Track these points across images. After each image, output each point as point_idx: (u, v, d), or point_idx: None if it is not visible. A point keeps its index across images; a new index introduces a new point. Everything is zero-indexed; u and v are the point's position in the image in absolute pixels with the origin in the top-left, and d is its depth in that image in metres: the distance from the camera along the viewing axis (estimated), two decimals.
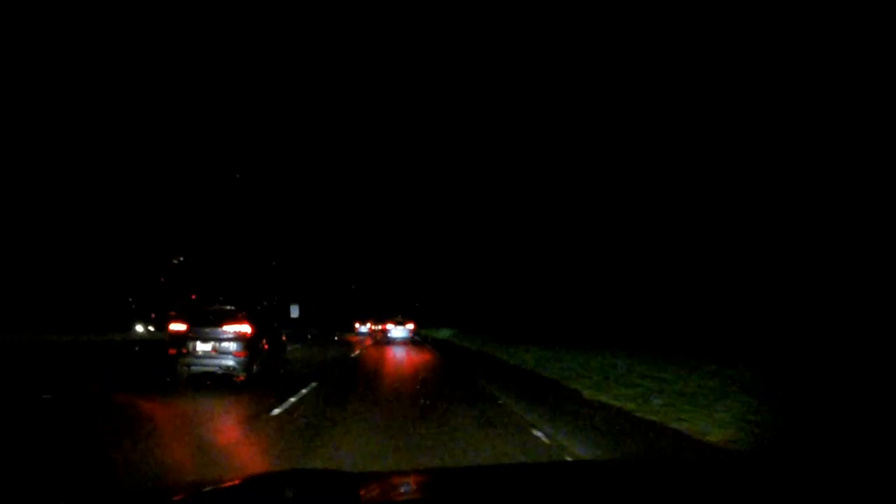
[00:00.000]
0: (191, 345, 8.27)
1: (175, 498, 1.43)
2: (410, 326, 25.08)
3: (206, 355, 8.31)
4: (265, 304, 14.82)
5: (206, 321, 8.53)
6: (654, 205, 23.98)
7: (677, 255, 21.97)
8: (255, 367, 8.60)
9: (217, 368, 8.29)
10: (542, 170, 33.05)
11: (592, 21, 30.52)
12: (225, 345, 8.27)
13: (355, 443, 4.95)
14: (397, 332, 24.58)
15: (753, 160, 19.14)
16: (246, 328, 8.54)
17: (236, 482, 1.68)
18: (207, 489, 1.70)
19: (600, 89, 29.36)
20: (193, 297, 21.45)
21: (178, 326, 8.54)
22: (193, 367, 8.33)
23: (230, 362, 8.25)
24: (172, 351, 8.40)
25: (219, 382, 8.48)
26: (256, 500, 1.31)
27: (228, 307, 8.89)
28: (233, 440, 5.26)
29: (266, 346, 9.29)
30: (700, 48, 22.42)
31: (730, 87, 20.70)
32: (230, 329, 8.39)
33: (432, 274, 59.40)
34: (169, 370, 8.59)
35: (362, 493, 1.34)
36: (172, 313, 9.19)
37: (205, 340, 8.31)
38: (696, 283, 20.52)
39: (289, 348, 12.80)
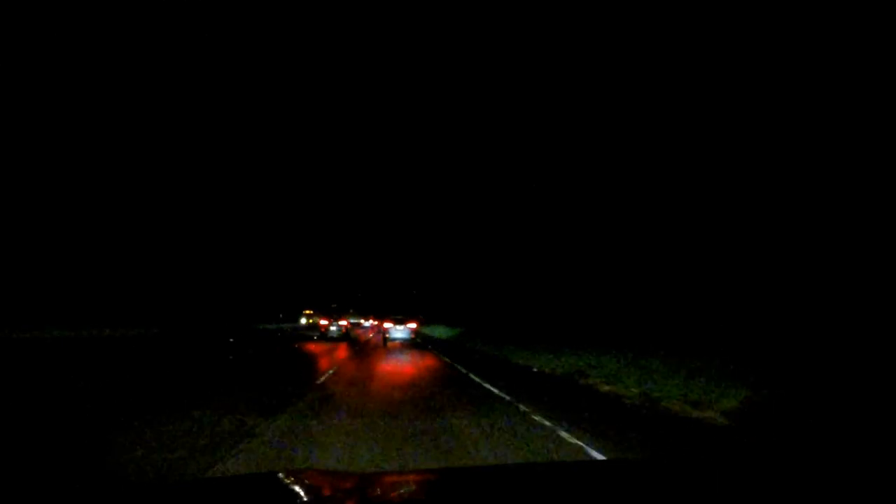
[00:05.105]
0: (330, 326, 28.41)
1: (176, 491, 1.51)
2: (412, 326, 21.89)
3: (333, 331, 27.90)
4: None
5: (332, 317, 28.81)
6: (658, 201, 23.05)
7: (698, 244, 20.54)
8: (346, 335, 28.92)
9: (338, 334, 28.17)
10: (549, 166, 31.39)
11: (592, 21, 29.41)
12: (339, 327, 28.38)
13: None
14: (397, 332, 21.61)
15: (748, 161, 18.59)
16: (344, 322, 28.83)
17: (237, 479, 1.73)
18: (208, 485, 1.77)
19: (600, 89, 27.82)
20: (334, 305, 40.94)
21: (324, 321, 28.87)
22: (329, 334, 27.78)
23: (342, 332, 28.26)
24: (322, 328, 28.55)
25: (337, 339, 27.79)
26: (256, 499, 1.33)
27: (339, 313, 29.64)
28: (347, 350, 23.20)
29: (348, 326, 29.73)
30: (700, 48, 21.29)
31: (730, 87, 19.70)
32: (340, 322, 28.80)
33: (435, 268, 54.83)
34: (320, 335, 28.55)
35: (363, 493, 1.34)
36: (322, 315, 29.59)
37: (333, 325, 28.23)
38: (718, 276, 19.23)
39: None
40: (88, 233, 33.16)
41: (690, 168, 21.76)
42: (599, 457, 4.42)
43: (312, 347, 21.30)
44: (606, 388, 8.84)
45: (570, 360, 12.77)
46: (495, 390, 8.52)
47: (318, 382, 9.19)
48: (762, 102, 18.86)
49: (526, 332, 23.10)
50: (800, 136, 17.41)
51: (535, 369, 12.29)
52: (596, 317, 24.03)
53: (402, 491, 1.44)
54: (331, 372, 10.92)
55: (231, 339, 22.53)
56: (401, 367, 12.77)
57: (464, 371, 11.83)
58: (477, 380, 10.10)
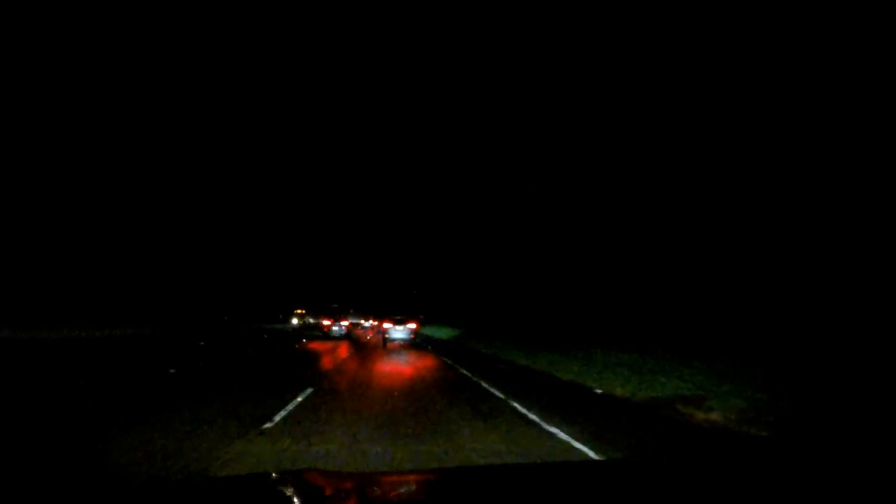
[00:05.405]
0: (333, 326, 25.52)
1: (175, 490, 1.49)
2: (412, 326, 21.04)
3: (336, 330, 25.49)
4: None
5: (335, 317, 25.89)
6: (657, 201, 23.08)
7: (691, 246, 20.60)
8: (347, 334, 25.83)
9: (340, 333, 25.44)
10: (548, 165, 31.50)
11: (592, 21, 29.68)
12: (342, 327, 25.54)
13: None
14: (396, 332, 20.76)
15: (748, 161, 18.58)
16: (346, 322, 25.87)
17: (237, 479, 1.74)
18: (209, 485, 1.80)
19: (600, 89, 27.95)
20: (334, 305, 39.64)
21: (327, 321, 25.93)
22: (333, 333, 25.43)
23: (344, 331, 25.50)
24: (326, 328, 25.70)
25: (339, 338, 25.25)
26: (257, 499, 1.32)
27: (341, 313, 26.53)
28: (350, 348, 20.72)
29: (350, 326, 26.54)
30: (700, 48, 21.20)
31: (730, 87, 19.61)
32: (343, 322, 25.75)
33: (435, 268, 54.81)
34: (324, 333, 25.79)
35: (363, 493, 1.35)
36: (324, 316, 26.52)
37: (335, 324, 25.54)
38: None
39: None
40: (88, 234, 32.83)
41: (700, 169, 20.98)
42: None
43: (313, 347, 20.04)
44: None
45: (642, 376, 9.31)
46: (591, 453, 4.50)
47: (268, 426, 5.15)
48: (768, 102, 18.29)
49: (536, 333, 21.57)
50: (807, 135, 16.80)
51: (598, 391, 8.41)
52: (614, 317, 22.31)
53: (402, 491, 1.45)
54: (300, 398, 6.94)
55: (201, 343, 19.75)
56: (408, 389, 8.81)
57: (501, 395, 7.69)
58: (535, 418, 5.92)
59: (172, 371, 10.31)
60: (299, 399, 6.92)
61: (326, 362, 13.48)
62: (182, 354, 14.73)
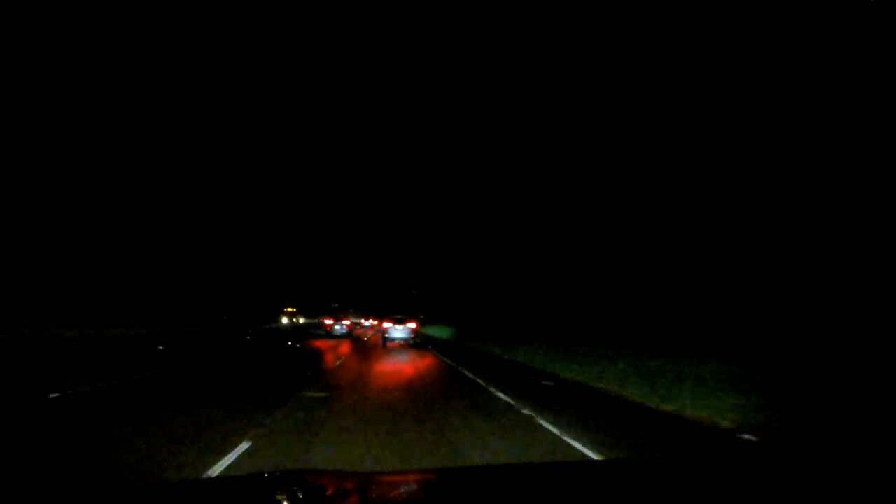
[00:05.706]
0: (335, 325, 26.63)
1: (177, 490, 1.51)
2: (412, 325, 20.61)
3: (337, 329, 26.74)
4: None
5: (336, 317, 26.91)
6: (655, 204, 23.10)
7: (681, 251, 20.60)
8: (349, 333, 26.72)
9: (342, 332, 26.60)
10: (544, 169, 31.66)
11: (592, 21, 30.03)
12: (344, 326, 26.60)
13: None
14: (396, 332, 20.34)
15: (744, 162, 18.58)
16: (348, 322, 27.03)
17: (238, 479, 1.74)
18: (210, 485, 1.82)
19: (599, 89, 28.19)
20: (335, 304, 40.35)
21: (329, 321, 26.85)
22: (335, 331, 26.76)
23: (346, 330, 26.62)
24: (328, 328, 26.69)
25: (341, 336, 26.39)
26: (258, 499, 1.32)
27: (341, 313, 27.30)
28: (350, 345, 21.97)
29: (351, 325, 27.28)
30: (700, 48, 21.37)
31: (730, 90, 19.77)
32: (344, 321, 26.64)
33: (434, 268, 54.88)
34: (326, 332, 26.94)
35: (363, 493, 1.34)
36: (324, 315, 27.22)
37: (337, 323, 26.74)
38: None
39: None
40: (95, 238, 32.79)
41: (699, 172, 20.83)
42: None
43: (304, 348, 20.05)
44: None
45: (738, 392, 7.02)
46: None
47: None
48: (769, 105, 18.20)
49: (538, 333, 20.61)
50: (809, 142, 16.75)
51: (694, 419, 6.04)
52: (613, 318, 21.94)
53: (401, 491, 1.45)
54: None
55: (160, 347, 16.91)
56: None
57: (589, 452, 4.61)
58: None
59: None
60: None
61: (306, 375, 10.26)
62: (109, 365, 11.13)
